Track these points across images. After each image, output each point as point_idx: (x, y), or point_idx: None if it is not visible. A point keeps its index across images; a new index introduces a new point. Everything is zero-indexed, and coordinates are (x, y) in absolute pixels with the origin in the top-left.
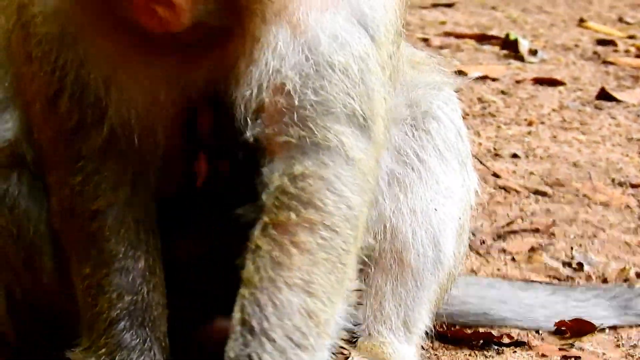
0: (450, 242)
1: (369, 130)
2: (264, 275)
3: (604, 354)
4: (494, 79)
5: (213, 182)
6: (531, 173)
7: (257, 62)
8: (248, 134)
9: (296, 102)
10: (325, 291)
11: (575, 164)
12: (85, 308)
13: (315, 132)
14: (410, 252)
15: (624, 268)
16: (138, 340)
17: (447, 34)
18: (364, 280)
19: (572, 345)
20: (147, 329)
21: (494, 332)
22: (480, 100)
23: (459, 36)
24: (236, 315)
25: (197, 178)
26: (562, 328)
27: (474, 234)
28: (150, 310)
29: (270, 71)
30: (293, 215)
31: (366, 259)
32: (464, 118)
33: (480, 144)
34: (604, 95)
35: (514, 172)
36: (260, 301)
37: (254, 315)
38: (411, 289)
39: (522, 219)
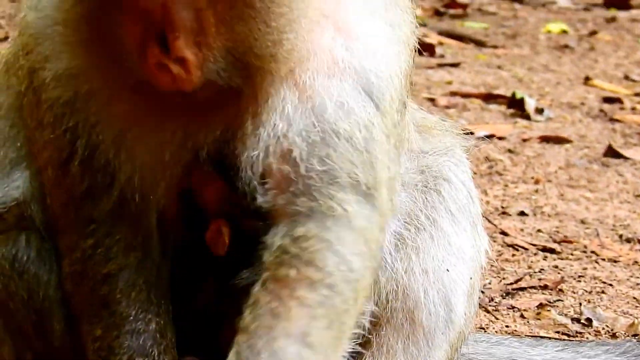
0: (461, 302)
1: (373, 199)
2: (262, 323)
3: None
4: (500, 138)
5: (234, 249)
6: (539, 230)
7: (265, 124)
8: (258, 199)
9: (302, 171)
10: (323, 345)
11: (582, 221)
12: None
13: (320, 201)
14: (422, 312)
15: (633, 323)
16: None
17: (454, 94)
18: (376, 338)
19: None
20: None
21: None
22: (487, 159)
23: (465, 95)
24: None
25: (215, 247)
26: None
27: (482, 291)
28: None
29: (278, 134)
30: (293, 272)
31: (374, 319)
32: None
33: (487, 202)
34: (610, 152)
35: (522, 229)
36: (256, 347)
37: None
38: (422, 347)
39: (531, 276)
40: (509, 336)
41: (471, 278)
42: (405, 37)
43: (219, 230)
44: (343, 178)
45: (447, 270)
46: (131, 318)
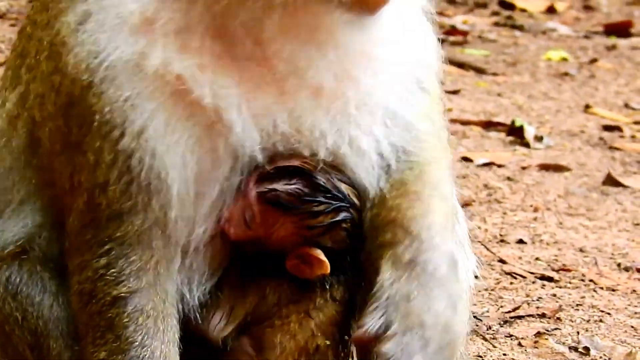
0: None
1: None
2: None
3: None
4: (499, 166)
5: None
6: (537, 259)
7: None
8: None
9: None
10: None
11: (581, 250)
12: None
13: None
14: None
15: (631, 352)
16: None
17: (453, 121)
18: None
19: None
20: None
21: None
22: (486, 186)
23: (465, 123)
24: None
25: (301, 272)
26: None
27: (480, 319)
28: None
29: None
30: None
31: None
32: (470, 205)
33: (486, 230)
34: (610, 181)
35: (520, 257)
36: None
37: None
38: None
39: (529, 304)
40: None
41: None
42: None
43: (304, 256)
44: None
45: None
46: (137, 344)
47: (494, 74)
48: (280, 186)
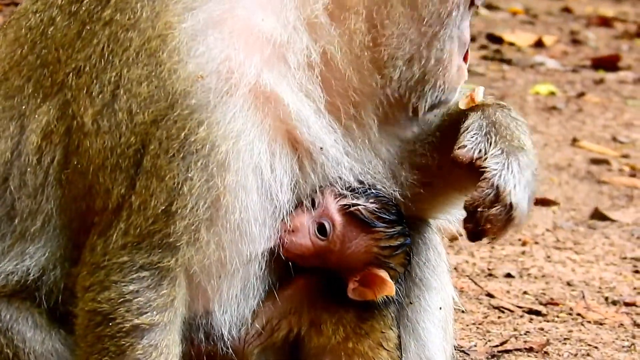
0: (434, 334)
1: None
2: None
3: None
4: None
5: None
6: (525, 292)
7: None
8: None
9: None
10: None
11: (569, 283)
12: None
13: None
14: None
15: None
16: None
17: None
18: None
19: None
20: None
21: None
22: None
23: None
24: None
25: (363, 294)
26: None
27: (467, 354)
28: None
29: None
30: None
31: None
32: (457, 239)
33: (474, 264)
34: (597, 215)
35: (508, 291)
36: None
37: None
38: None
39: (516, 338)
40: None
41: (440, 308)
42: None
43: (368, 277)
44: None
45: (411, 302)
46: None
47: None
48: (362, 202)
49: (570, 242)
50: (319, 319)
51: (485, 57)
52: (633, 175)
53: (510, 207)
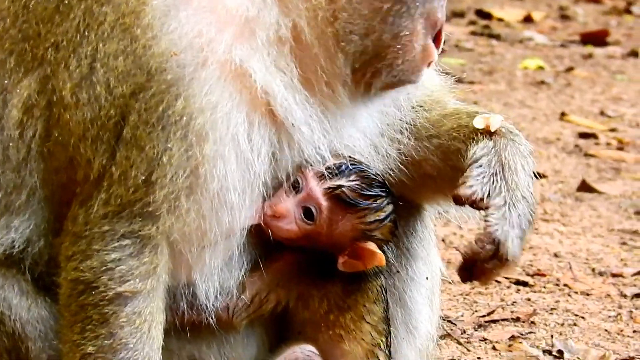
0: (421, 303)
1: None
2: None
3: None
4: None
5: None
6: None
7: None
8: None
9: None
10: None
11: (556, 255)
12: None
13: None
14: None
15: (604, 355)
16: None
17: None
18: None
19: None
20: None
21: None
22: None
23: None
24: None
25: (352, 266)
26: None
27: (454, 324)
28: None
29: None
30: None
31: None
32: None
33: (462, 235)
34: (585, 187)
35: None
36: None
37: None
38: None
39: (503, 309)
40: None
41: (427, 278)
42: None
43: (357, 251)
44: None
45: (397, 271)
46: (130, 346)
47: (471, 83)
48: (344, 182)
49: (558, 214)
50: (307, 292)
51: (474, 33)
52: (620, 149)
53: (506, 261)
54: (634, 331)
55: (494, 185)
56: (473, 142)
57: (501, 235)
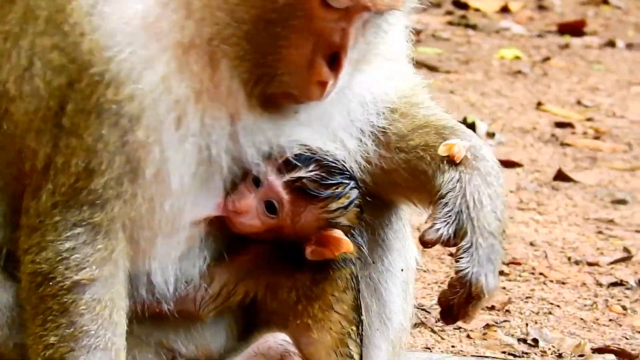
0: (395, 294)
1: None
2: None
3: None
4: None
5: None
6: None
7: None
8: None
9: None
10: None
11: (531, 244)
12: None
13: None
14: None
15: (580, 344)
16: None
17: None
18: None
19: None
20: None
21: None
22: None
23: None
24: None
25: (320, 254)
26: None
27: (428, 311)
28: None
29: None
30: None
31: None
32: None
33: None
34: (561, 176)
35: None
36: None
37: None
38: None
39: None
40: (453, 356)
41: (402, 270)
42: None
43: (324, 239)
44: None
45: (373, 262)
46: (92, 333)
47: (447, 72)
48: (303, 173)
49: (534, 203)
50: (276, 282)
51: (450, 23)
52: (597, 138)
53: (483, 297)
54: (610, 320)
55: (460, 224)
56: (439, 171)
57: (472, 278)
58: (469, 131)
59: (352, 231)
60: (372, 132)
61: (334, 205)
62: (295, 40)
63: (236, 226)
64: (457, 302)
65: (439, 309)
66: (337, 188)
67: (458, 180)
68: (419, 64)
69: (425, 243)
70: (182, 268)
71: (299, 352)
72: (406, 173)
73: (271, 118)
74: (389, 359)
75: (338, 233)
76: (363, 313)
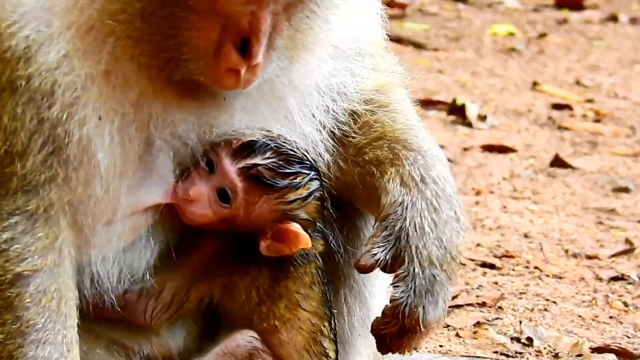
0: (379, 294)
1: None
2: None
3: None
4: (440, 147)
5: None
6: (478, 245)
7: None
8: None
9: None
10: None
11: (526, 235)
12: None
13: None
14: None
15: (577, 343)
16: None
17: None
18: None
19: None
20: None
21: None
22: None
23: None
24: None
25: (277, 249)
26: None
27: None
28: None
29: None
30: None
31: None
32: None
33: None
34: (558, 162)
35: None
36: None
37: None
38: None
39: (468, 293)
40: (441, 355)
41: None
42: None
43: (281, 233)
44: None
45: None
46: (38, 326)
47: (435, 50)
48: (259, 160)
49: (529, 192)
50: (232, 283)
51: None
52: (597, 121)
53: (421, 330)
54: (610, 317)
55: (398, 251)
56: (384, 191)
57: (406, 309)
58: (427, 144)
59: (319, 224)
60: (332, 133)
61: (291, 196)
62: (197, 23)
63: (186, 215)
64: (390, 332)
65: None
66: (295, 178)
67: (400, 204)
68: (405, 41)
69: (360, 268)
70: (126, 259)
71: (268, 352)
72: (362, 188)
73: (199, 103)
74: None
75: (296, 227)
76: (334, 306)
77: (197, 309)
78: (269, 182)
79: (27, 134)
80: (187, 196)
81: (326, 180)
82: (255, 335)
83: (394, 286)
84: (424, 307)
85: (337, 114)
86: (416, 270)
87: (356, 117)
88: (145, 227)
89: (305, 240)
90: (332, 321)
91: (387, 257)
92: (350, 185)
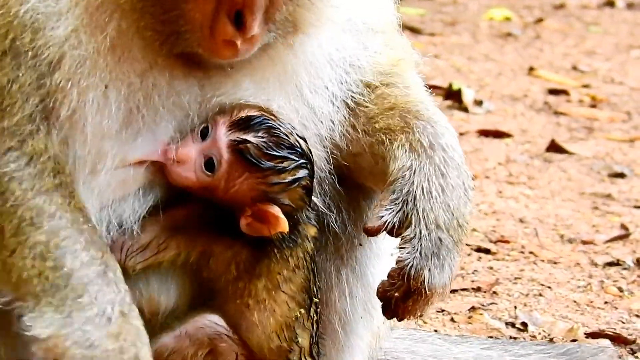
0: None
1: None
2: None
3: None
4: None
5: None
6: (473, 230)
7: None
8: None
9: None
10: None
11: (521, 220)
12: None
13: None
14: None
15: (572, 328)
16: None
17: None
18: None
19: None
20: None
21: None
22: None
23: None
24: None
25: (258, 229)
26: None
27: None
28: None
29: None
30: None
31: None
32: None
33: None
34: (554, 147)
35: None
36: None
37: None
38: (340, 336)
39: (463, 278)
40: (433, 332)
41: (392, 254)
42: None
43: (260, 213)
44: None
45: (360, 244)
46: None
47: (431, 34)
48: (251, 137)
49: (524, 177)
50: (210, 251)
51: None
52: (593, 106)
53: (427, 294)
54: (605, 302)
55: (405, 214)
56: (393, 157)
57: (411, 270)
58: (437, 116)
59: (321, 208)
60: (345, 103)
61: (273, 179)
62: None
63: (172, 175)
64: (395, 295)
65: (381, 305)
66: (281, 162)
67: (408, 168)
68: (401, 26)
69: (367, 230)
70: (116, 212)
71: (233, 335)
72: (370, 157)
73: (204, 74)
74: (370, 351)
75: (275, 210)
76: (317, 295)
77: (174, 263)
78: (253, 160)
79: (23, 96)
80: (175, 157)
81: (330, 159)
82: (219, 320)
83: (400, 248)
84: (429, 270)
85: (350, 85)
86: (422, 232)
87: (370, 89)
88: (135, 184)
89: (283, 224)
90: (312, 309)
91: (395, 220)
92: (358, 156)
